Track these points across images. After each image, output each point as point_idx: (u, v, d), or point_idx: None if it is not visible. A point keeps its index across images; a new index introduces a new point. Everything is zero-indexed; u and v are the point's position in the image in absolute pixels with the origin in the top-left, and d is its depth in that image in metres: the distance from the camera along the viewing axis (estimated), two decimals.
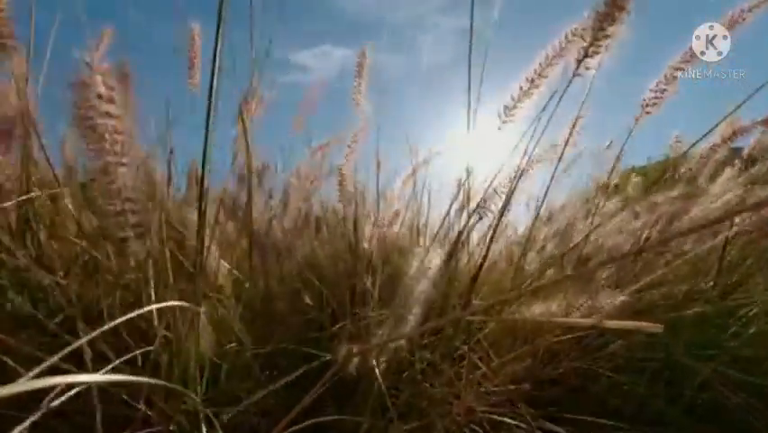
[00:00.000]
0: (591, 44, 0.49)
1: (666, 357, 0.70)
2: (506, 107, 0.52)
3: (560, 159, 0.66)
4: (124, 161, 0.27)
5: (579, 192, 1.14)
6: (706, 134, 0.78)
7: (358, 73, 0.80)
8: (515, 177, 0.71)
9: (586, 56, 0.49)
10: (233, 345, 0.66)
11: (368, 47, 0.80)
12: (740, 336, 0.71)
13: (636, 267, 0.87)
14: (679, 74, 0.67)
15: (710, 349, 0.68)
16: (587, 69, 0.51)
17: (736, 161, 1.06)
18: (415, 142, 1.22)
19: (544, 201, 0.77)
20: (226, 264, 0.75)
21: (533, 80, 0.50)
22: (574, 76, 0.51)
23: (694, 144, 0.82)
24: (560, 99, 0.52)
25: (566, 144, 0.66)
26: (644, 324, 0.24)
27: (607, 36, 0.49)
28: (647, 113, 0.69)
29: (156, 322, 0.50)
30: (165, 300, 0.50)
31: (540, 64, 0.49)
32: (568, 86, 0.51)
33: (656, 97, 0.68)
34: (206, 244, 0.53)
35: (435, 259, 0.46)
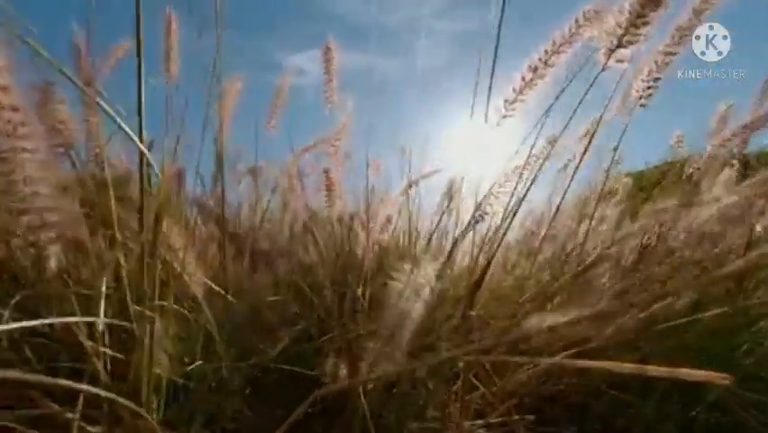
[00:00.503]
0: (626, 32, 0.43)
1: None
2: (506, 101, 0.47)
3: (577, 167, 0.61)
4: (26, 145, 0.21)
5: (576, 195, 1.09)
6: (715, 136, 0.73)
7: (326, 69, 0.74)
8: (518, 180, 0.67)
9: (620, 46, 0.43)
10: (198, 362, 0.59)
11: (331, 41, 0.75)
12: (753, 352, 0.66)
13: (640, 276, 0.82)
14: (671, 59, 0.60)
15: (722, 368, 0.63)
16: (619, 61, 0.45)
17: (734, 162, 1.02)
18: (409, 143, 1.18)
19: (558, 209, 0.72)
20: (198, 267, 0.69)
21: (536, 69, 0.44)
22: (603, 69, 0.45)
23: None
24: (584, 95, 0.46)
25: (585, 152, 0.60)
26: (709, 374, 0.19)
27: (646, 23, 0.43)
28: (642, 105, 0.63)
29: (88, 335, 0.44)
30: (112, 309, 0.44)
31: (546, 51, 0.43)
32: (595, 79, 0.45)
33: (649, 87, 0.61)
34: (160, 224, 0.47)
35: (428, 274, 0.41)
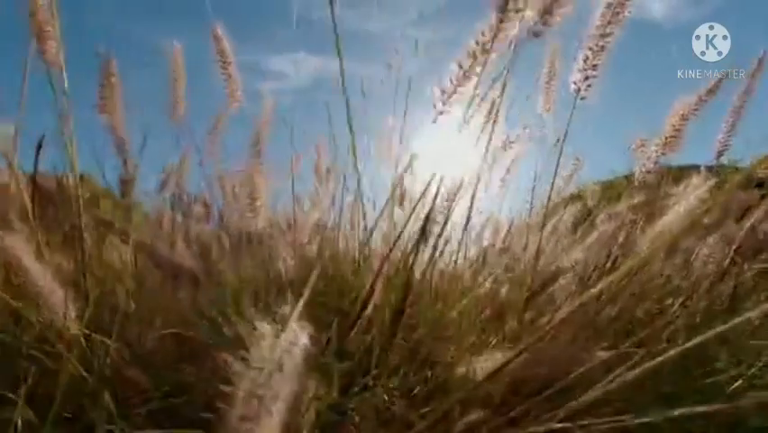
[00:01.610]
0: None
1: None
2: (442, 92, 0.36)
3: (555, 175, 0.51)
4: None
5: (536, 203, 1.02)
6: None
7: (222, 63, 0.60)
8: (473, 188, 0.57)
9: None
10: None
11: (218, 29, 0.61)
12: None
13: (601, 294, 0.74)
14: (608, 42, 0.49)
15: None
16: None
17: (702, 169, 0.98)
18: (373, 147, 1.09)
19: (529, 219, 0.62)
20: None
21: (475, 55, 0.34)
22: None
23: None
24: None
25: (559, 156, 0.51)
26: None
27: None
28: (582, 98, 0.53)
29: None
30: None
31: (483, 33, 0.33)
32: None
33: (587, 78, 0.50)
34: None
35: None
